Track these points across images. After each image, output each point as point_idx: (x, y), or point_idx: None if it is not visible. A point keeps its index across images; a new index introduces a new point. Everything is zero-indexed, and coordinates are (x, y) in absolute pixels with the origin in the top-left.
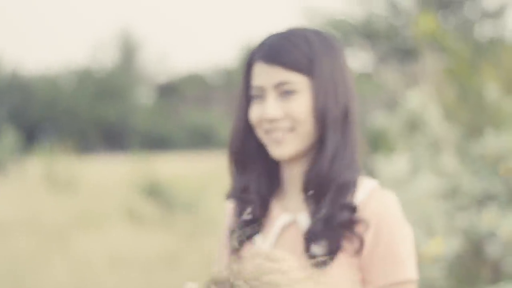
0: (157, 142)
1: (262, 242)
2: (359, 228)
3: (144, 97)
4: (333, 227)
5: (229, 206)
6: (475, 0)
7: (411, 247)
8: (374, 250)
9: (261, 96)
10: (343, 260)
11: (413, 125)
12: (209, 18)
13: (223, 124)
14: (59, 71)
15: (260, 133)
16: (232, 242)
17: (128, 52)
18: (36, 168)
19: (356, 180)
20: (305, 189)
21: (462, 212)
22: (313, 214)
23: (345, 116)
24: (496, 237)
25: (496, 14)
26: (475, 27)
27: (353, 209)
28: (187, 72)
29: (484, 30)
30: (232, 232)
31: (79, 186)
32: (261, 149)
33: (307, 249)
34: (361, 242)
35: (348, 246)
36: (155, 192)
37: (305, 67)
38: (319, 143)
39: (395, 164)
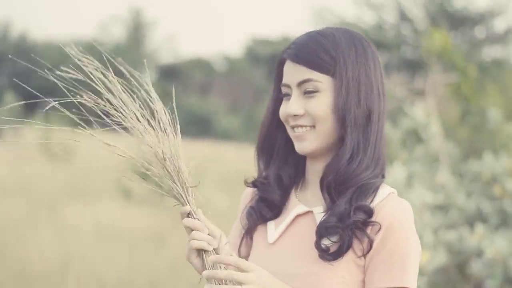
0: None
1: (274, 228)
2: (370, 231)
3: (147, 76)
4: (347, 225)
5: (247, 191)
6: (486, 23)
7: (416, 258)
8: (380, 252)
9: (289, 94)
10: (349, 259)
11: (415, 138)
12: (220, 6)
13: (222, 114)
14: (66, 40)
15: (288, 128)
16: (247, 222)
17: (136, 30)
18: (33, 134)
19: (378, 185)
20: (322, 183)
21: (452, 228)
22: (329, 209)
23: (368, 118)
24: (482, 256)
25: (504, 38)
26: (483, 48)
27: (369, 211)
28: (192, 56)
29: (491, 52)
30: (249, 212)
31: (74, 158)
32: (290, 143)
33: (318, 241)
34: (370, 245)
35: (357, 245)
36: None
37: (329, 67)
38: (340, 141)
39: (393, 174)
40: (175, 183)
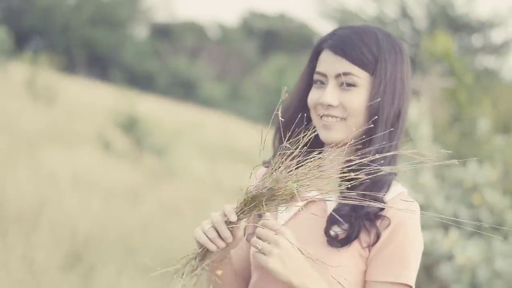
0: (141, 80)
1: (285, 211)
2: (380, 224)
3: (139, 32)
4: (359, 215)
5: (259, 172)
6: (484, 32)
7: (419, 257)
8: (385, 247)
9: (322, 82)
10: (355, 249)
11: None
12: None
13: (208, 81)
14: None
15: (314, 116)
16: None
17: None
18: (19, 74)
19: (391, 182)
20: (344, 173)
21: (426, 229)
22: (343, 198)
23: (397, 118)
24: (452, 261)
25: (500, 49)
26: (477, 56)
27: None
28: (186, 19)
29: (485, 61)
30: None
31: (58, 102)
32: (308, 128)
33: (328, 227)
34: (378, 237)
35: (364, 237)
36: (130, 127)
37: (369, 65)
38: (366, 136)
39: None
40: (248, 209)
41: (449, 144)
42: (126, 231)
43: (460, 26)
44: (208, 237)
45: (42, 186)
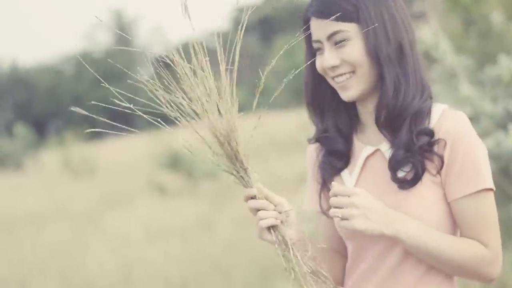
0: (161, 116)
1: (349, 175)
2: (437, 148)
3: (144, 72)
4: (414, 151)
5: (310, 149)
6: None
7: (486, 159)
8: (452, 165)
9: (321, 48)
10: (427, 180)
11: (428, 59)
12: None
13: None
14: (57, 58)
15: (329, 80)
16: (322, 176)
17: (122, 30)
18: (51, 158)
19: (429, 107)
20: (378, 122)
21: (487, 136)
22: (393, 143)
23: (400, 51)
24: None
25: None
26: None
27: (430, 133)
28: (183, 40)
29: None
30: (321, 167)
31: (97, 170)
32: (336, 93)
33: (394, 175)
34: (442, 161)
35: (429, 165)
36: (175, 163)
37: (352, 15)
38: (382, 80)
39: None
40: (234, 164)
41: (471, 49)
42: (214, 260)
43: None
44: (264, 218)
45: (119, 251)
